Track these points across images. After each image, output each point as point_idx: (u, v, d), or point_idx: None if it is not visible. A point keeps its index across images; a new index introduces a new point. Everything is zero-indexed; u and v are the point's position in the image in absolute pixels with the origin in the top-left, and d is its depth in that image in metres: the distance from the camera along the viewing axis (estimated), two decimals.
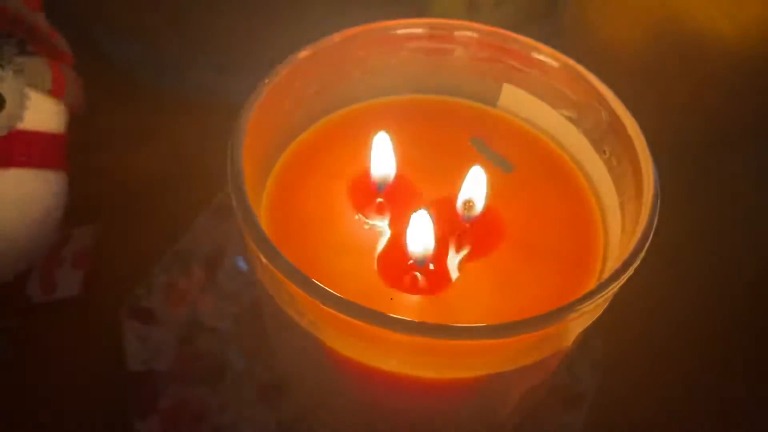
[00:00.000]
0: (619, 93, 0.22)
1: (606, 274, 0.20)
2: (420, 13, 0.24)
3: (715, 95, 0.30)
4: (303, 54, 0.22)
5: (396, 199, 0.22)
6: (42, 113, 0.28)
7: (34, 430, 0.27)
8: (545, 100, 0.24)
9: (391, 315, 0.17)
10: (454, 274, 0.21)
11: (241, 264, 0.29)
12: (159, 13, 0.34)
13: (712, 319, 0.30)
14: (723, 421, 0.28)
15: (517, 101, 0.24)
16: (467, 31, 0.23)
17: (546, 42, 0.23)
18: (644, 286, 0.22)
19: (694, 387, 0.29)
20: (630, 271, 0.19)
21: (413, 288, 0.21)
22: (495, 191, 0.22)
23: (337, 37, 0.23)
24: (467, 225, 0.22)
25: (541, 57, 0.23)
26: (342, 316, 0.17)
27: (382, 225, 0.22)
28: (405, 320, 0.17)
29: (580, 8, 0.32)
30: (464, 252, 0.22)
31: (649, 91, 0.29)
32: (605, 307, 0.20)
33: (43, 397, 0.27)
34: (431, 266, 0.21)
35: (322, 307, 0.17)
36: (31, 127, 0.27)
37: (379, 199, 0.22)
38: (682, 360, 0.29)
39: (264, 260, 0.18)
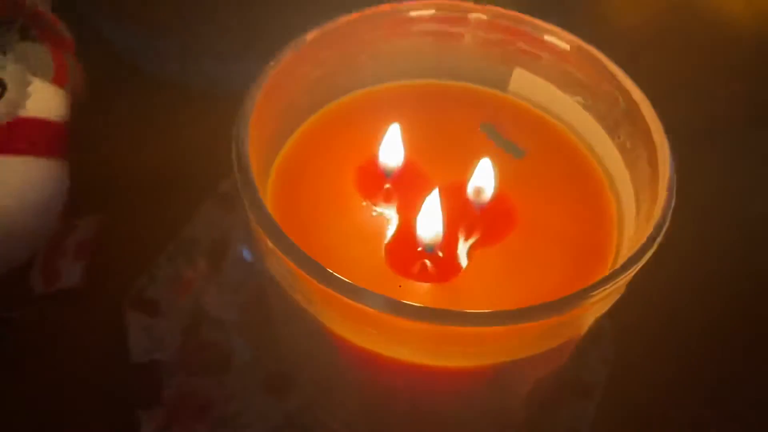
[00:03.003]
0: (630, 76, 0.21)
1: (620, 262, 0.20)
2: None
3: (730, 76, 0.29)
4: (309, 37, 0.22)
5: (404, 186, 0.22)
6: (44, 101, 0.27)
7: (36, 422, 0.26)
8: (557, 84, 0.23)
9: (403, 301, 0.16)
10: (463, 261, 0.21)
11: (246, 254, 0.29)
12: (163, 1, 0.33)
13: (722, 309, 0.30)
14: (732, 412, 0.28)
15: (528, 86, 0.24)
16: (477, 13, 0.23)
17: (555, 24, 0.23)
18: (656, 276, 0.21)
19: (705, 379, 0.29)
20: (645, 259, 0.18)
21: (422, 275, 0.20)
22: (506, 177, 0.22)
23: (343, 19, 0.22)
24: (477, 211, 0.21)
25: (553, 40, 0.22)
26: (352, 302, 0.17)
27: (389, 212, 0.22)
28: (417, 306, 0.16)
29: None
30: (474, 239, 0.21)
31: (660, 74, 0.28)
32: (619, 294, 0.19)
33: (45, 388, 0.27)
34: (440, 253, 0.21)
35: (332, 293, 0.17)
36: (33, 115, 0.27)
37: (387, 186, 0.22)
38: (693, 352, 0.29)
39: (272, 245, 0.18)
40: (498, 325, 0.16)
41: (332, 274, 0.17)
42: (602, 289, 0.17)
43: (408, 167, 0.22)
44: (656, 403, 0.28)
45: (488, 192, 0.21)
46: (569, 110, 0.23)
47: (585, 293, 0.17)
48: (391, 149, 0.22)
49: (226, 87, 0.30)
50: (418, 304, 0.16)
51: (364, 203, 0.22)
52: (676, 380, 0.28)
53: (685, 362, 0.29)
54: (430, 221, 0.20)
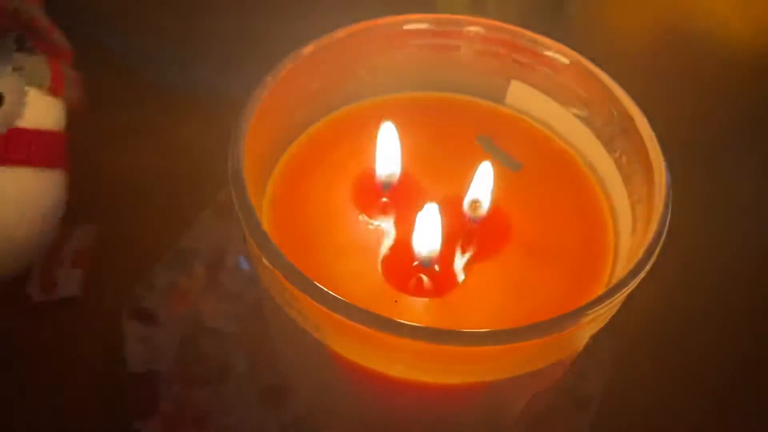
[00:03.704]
0: (627, 90, 0.21)
1: (616, 276, 0.20)
2: (425, 9, 0.23)
3: (726, 92, 0.29)
4: (307, 50, 0.22)
5: (401, 199, 0.22)
6: (41, 111, 0.27)
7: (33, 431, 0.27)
8: (554, 97, 0.23)
9: (397, 320, 0.16)
10: (460, 276, 0.21)
11: (244, 264, 0.29)
12: (162, 9, 0.33)
13: (720, 321, 0.30)
14: (730, 423, 0.28)
15: (525, 98, 0.24)
16: (474, 26, 0.23)
17: (552, 38, 0.23)
18: (653, 286, 0.21)
19: (702, 389, 0.29)
20: (642, 275, 0.18)
21: (418, 290, 0.20)
22: (502, 190, 0.22)
23: (341, 32, 0.22)
24: (474, 225, 0.21)
25: (550, 53, 0.22)
26: (346, 320, 0.17)
27: (386, 225, 0.22)
28: (411, 325, 0.16)
29: (588, 3, 0.31)
30: (470, 253, 0.21)
31: (657, 88, 0.28)
32: (616, 310, 0.19)
33: (42, 398, 0.27)
34: (437, 268, 0.21)
35: (326, 311, 0.17)
36: (30, 125, 0.27)
37: (384, 199, 0.22)
38: (690, 362, 0.29)
39: (267, 263, 0.17)
40: (494, 344, 0.16)
41: (326, 291, 0.17)
42: (598, 307, 0.17)
43: (405, 180, 0.22)
44: (654, 413, 0.28)
45: (484, 205, 0.21)
46: (566, 123, 0.23)
47: (581, 312, 0.17)
48: (388, 162, 0.22)
49: (225, 95, 0.30)
50: (414, 324, 0.16)
51: (361, 216, 0.22)
52: (674, 391, 0.28)
53: (684, 372, 0.29)
54: (426, 235, 0.20)
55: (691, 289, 0.30)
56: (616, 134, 0.22)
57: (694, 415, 0.28)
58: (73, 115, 0.29)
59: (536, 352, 0.18)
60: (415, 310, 0.20)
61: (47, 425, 0.27)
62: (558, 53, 0.22)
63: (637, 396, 0.28)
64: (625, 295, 0.18)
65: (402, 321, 0.16)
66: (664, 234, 0.19)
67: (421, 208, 0.20)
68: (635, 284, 0.18)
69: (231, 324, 0.27)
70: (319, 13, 0.31)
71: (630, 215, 0.21)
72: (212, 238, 0.29)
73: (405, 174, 0.22)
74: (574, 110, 0.23)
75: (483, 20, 0.23)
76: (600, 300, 0.17)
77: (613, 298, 0.18)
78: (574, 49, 0.22)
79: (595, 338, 0.25)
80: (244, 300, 0.28)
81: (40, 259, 0.29)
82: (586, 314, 0.17)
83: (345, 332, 0.18)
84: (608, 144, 0.22)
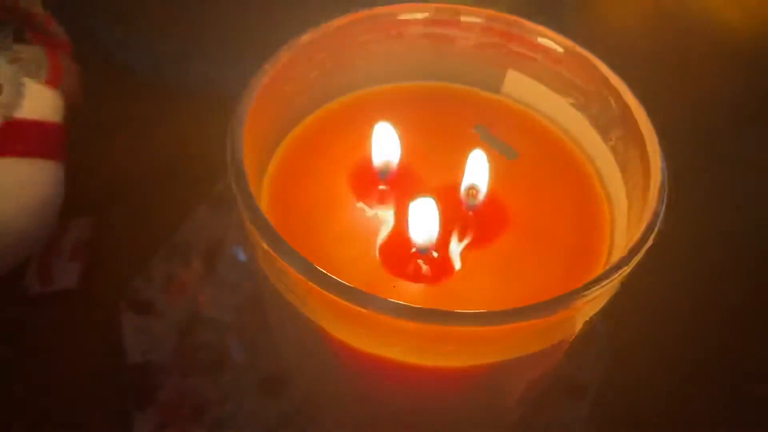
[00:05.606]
0: (622, 80, 0.22)
1: (612, 262, 0.20)
2: None
3: (721, 80, 0.30)
4: (304, 39, 0.22)
5: (398, 187, 0.22)
6: (38, 103, 0.27)
7: (31, 423, 0.26)
8: (550, 86, 0.23)
9: (397, 301, 0.16)
10: (457, 262, 0.21)
11: (241, 255, 0.29)
12: (158, 2, 0.33)
13: (717, 310, 0.30)
14: (726, 413, 0.28)
15: (522, 88, 0.24)
16: (471, 16, 0.23)
17: (549, 27, 0.23)
18: (649, 275, 0.21)
19: (698, 378, 0.29)
20: (637, 259, 0.18)
21: (416, 276, 0.20)
22: (499, 178, 0.22)
23: (338, 21, 0.22)
24: (471, 213, 0.22)
25: (547, 42, 0.23)
26: (345, 302, 0.17)
27: (384, 213, 0.22)
28: (410, 306, 0.16)
29: None
30: (468, 240, 0.21)
31: (653, 78, 0.29)
32: (612, 294, 0.19)
33: (40, 389, 0.27)
34: (434, 254, 0.21)
35: (325, 293, 0.17)
36: (28, 116, 0.27)
37: (382, 187, 0.22)
38: (686, 351, 0.29)
39: (266, 246, 0.18)
40: (490, 325, 0.17)
41: (326, 274, 0.17)
42: (593, 289, 0.17)
43: (402, 169, 0.22)
44: (650, 402, 0.28)
45: (481, 193, 0.21)
46: (562, 112, 0.23)
47: (576, 293, 0.17)
48: (386, 151, 0.22)
49: (221, 89, 0.31)
50: (412, 304, 0.16)
51: (359, 204, 0.22)
52: (671, 379, 0.29)
53: (680, 361, 0.29)
54: (424, 222, 0.20)
55: (689, 281, 0.31)
56: (611, 122, 0.22)
57: (690, 403, 0.28)
58: (70, 107, 0.29)
59: (532, 335, 0.18)
60: (413, 296, 0.20)
61: (45, 416, 0.27)
62: (554, 42, 0.23)
63: (634, 385, 0.28)
64: (619, 279, 0.18)
65: (402, 302, 0.16)
66: (660, 219, 0.19)
67: (418, 196, 0.21)
68: (630, 268, 0.18)
69: (228, 314, 0.27)
70: (315, 6, 0.31)
71: (626, 202, 0.21)
72: (209, 229, 0.29)
73: (402, 162, 0.22)
74: (570, 99, 0.23)
75: (479, 10, 0.23)
76: (594, 283, 0.18)
77: (607, 281, 0.18)
78: (570, 39, 0.23)
79: (592, 327, 0.26)
80: (241, 290, 0.28)
81: (37, 251, 0.29)
82: (582, 295, 0.17)
83: (343, 315, 0.18)
84: (604, 132, 0.22)
